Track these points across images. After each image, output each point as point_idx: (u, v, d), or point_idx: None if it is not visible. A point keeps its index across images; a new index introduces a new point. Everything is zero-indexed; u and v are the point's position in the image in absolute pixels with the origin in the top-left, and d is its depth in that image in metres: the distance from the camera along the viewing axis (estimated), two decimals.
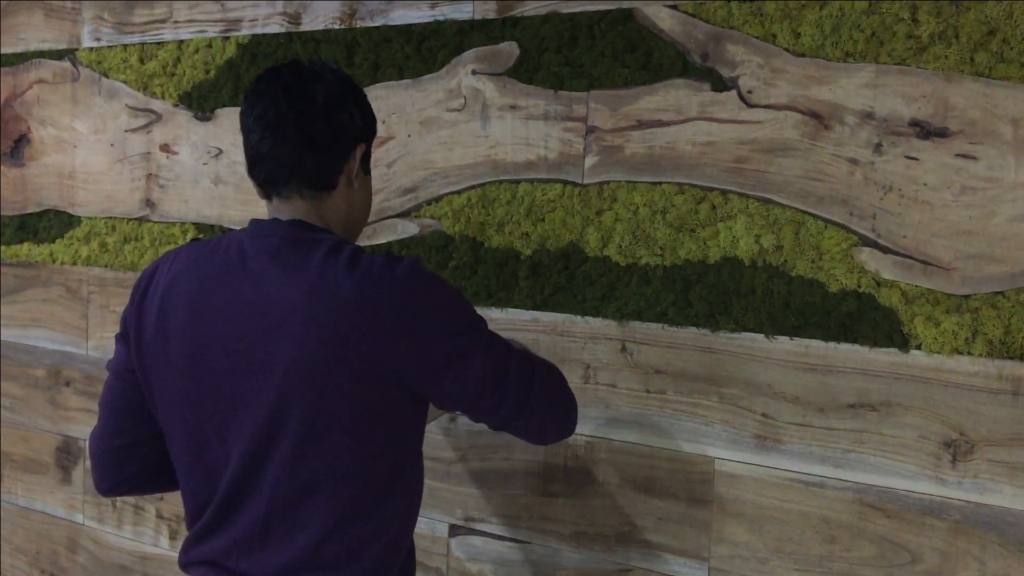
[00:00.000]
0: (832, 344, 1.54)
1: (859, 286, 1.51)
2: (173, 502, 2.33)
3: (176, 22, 2.27)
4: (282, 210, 1.34)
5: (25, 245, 2.57)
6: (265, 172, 1.33)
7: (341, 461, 1.25)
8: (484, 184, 1.85)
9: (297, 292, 1.22)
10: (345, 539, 1.27)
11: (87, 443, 1.42)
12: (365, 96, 1.39)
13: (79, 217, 2.46)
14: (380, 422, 1.26)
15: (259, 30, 2.13)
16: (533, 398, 1.33)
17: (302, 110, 1.30)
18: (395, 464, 1.30)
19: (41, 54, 2.53)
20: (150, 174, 2.33)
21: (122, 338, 1.39)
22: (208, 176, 2.22)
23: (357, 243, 1.47)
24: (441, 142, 1.89)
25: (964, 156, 1.43)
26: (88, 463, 2.48)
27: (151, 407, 1.37)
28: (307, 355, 1.21)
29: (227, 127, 2.17)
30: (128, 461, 1.41)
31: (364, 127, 1.37)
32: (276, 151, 1.30)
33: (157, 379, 1.33)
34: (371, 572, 1.29)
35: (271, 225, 1.32)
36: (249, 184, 2.13)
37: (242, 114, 1.34)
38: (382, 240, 1.97)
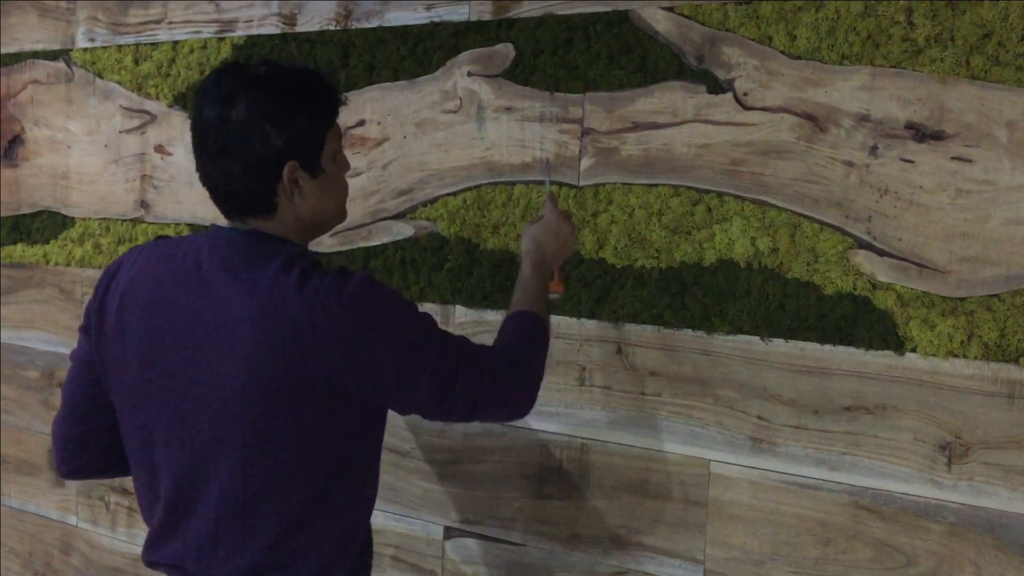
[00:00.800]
0: (828, 347, 1.54)
1: (855, 289, 1.51)
2: None
3: (171, 23, 2.26)
4: (242, 222, 1.35)
5: (19, 246, 2.57)
6: (211, 197, 1.36)
7: (289, 470, 1.28)
8: (480, 186, 1.85)
9: (247, 307, 1.24)
10: (297, 541, 1.30)
11: (51, 427, 1.46)
12: (297, 103, 1.31)
13: (73, 218, 2.46)
14: (328, 432, 1.29)
15: (254, 31, 2.12)
16: (481, 405, 1.36)
17: (219, 141, 1.28)
18: (345, 468, 1.33)
19: (35, 54, 2.52)
20: (144, 175, 2.32)
21: (84, 330, 1.42)
22: None
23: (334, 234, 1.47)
24: (437, 144, 1.89)
25: (960, 159, 1.43)
26: None
27: (110, 399, 1.40)
28: (255, 370, 1.23)
29: None
30: (87, 447, 1.44)
31: (288, 145, 1.29)
32: (212, 180, 1.33)
33: (114, 376, 1.37)
34: (325, 568, 1.33)
35: (229, 234, 1.33)
36: None
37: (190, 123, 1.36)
38: (377, 242, 1.97)
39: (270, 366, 1.23)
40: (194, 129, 1.32)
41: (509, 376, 1.40)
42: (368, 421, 1.36)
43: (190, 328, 1.28)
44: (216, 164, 1.30)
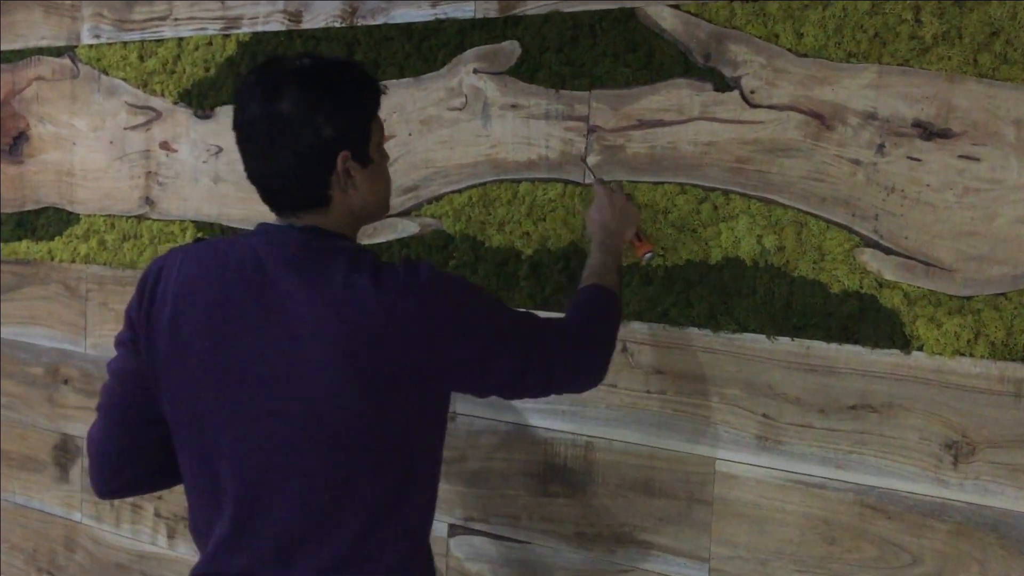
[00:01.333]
0: (834, 345, 1.54)
1: (861, 287, 1.51)
2: (171, 501, 2.33)
3: (176, 19, 2.26)
4: (295, 218, 1.33)
5: (24, 243, 2.57)
6: (261, 194, 1.34)
7: (370, 468, 1.27)
8: (485, 183, 1.84)
9: (322, 307, 1.23)
10: (375, 538, 1.29)
11: (85, 445, 1.39)
12: (344, 94, 1.30)
13: (78, 215, 2.46)
14: (407, 426, 1.29)
15: (260, 28, 2.12)
16: (556, 378, 1.38)
17: (270, 135, 1.27)
18: (420, 461, 1.33)
19: (40, 51, 2.52)
20: (149, 172, 2.32)
21: (128, 343, 1.36)
22: (208, 174, 2.21)
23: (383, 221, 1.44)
24: (442, 141, 1.89)
25: (967, 157, 1.43)
26: (86, 462, 2.48)
27: (161, 412, 1.35)
28: (336, 369, 1.22)
29: (227, 125, 2.16)
30: (129, 464, 1.39)
31: (340, 136, 1.28)
32: (262, 175, 1.31)
33: (169, 385, 1.32)
34: (402, 562, 1.33)
35: (286, 232, 1.31)
36: (249, 183, 2.13)
37: (232, 121, 1.33)
38: (382, 239, 1.97)
39: (351, 362, 1.22)
40: (240, 128, 1.30)
41: (579, 347, 1.41)
42: (441, 412, 1.36)
43: (260, 332, 1.25)
44: (267, 160, 1.29)
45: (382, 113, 1.86)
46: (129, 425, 1.37)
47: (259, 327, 1.26)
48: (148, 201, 2.32)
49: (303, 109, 1.25)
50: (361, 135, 1.32)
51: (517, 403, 1.82)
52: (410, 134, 1.92)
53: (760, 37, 1.57)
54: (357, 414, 1.24)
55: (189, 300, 1.30)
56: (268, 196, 1.33)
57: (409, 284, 1.25)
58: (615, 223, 1.60)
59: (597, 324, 1.46)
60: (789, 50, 1.55)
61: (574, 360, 1.41)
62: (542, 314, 1.77)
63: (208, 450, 1.31)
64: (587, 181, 1.72)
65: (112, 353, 1.41)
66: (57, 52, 2.48)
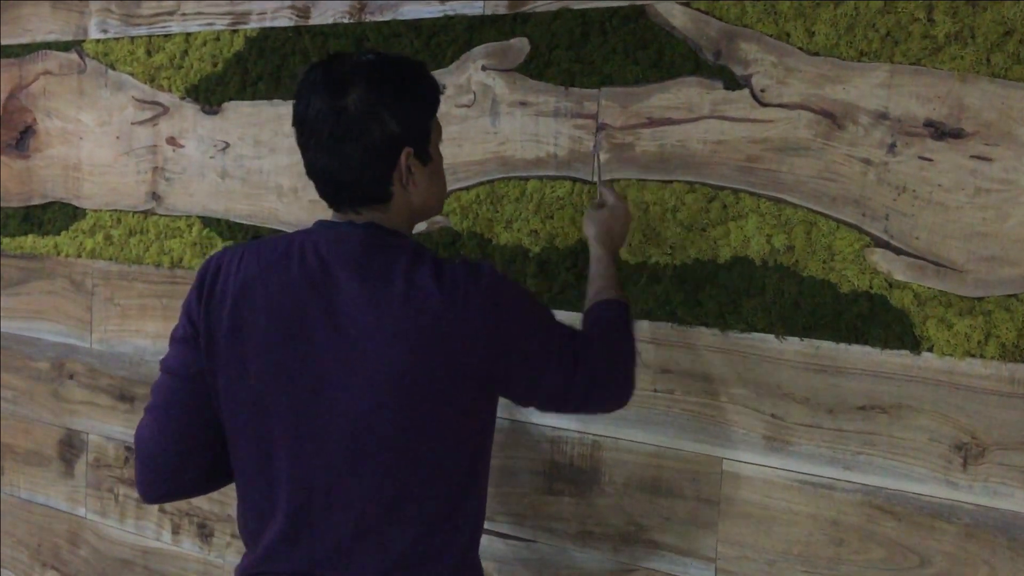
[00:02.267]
0: (843, 345, 1.53)
1: (871, 287, 1.50)
2: None
3: (184, 14, 2.26)
4: (351, 216, 1.33)
5: (30, 237, 2.57)
6: (321, 189, 1.34)
7: (430, 468, 1.28)
8: (493, 181, 1.84)
9: (386, 305, 1.23)
10: (434, 540, 1.30)
11: (136, 447, 1.36)
12: (408, 91, 1.30)
13: (84, 209, 2.45)
14: (464, 427, 1.31)
15: (267, 23, 2.12)
16: (594, 395, 1.38)
17: (335, 131, 1.26)
18: (477, 463, 1.35)
19: (47, 45, 2.52)
20: (156, 167, 2.32)
21: (188, 340, 1.34)
22: (215, 170, 2.21)
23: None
24: (450, 138, 1.88)
25: (979, 158, 1.42)
26: (91, 457, 2.48)
27: (217, 411, 1.34)
28: (398, 368, 1.23)
29: (234, 121, 2.16)
30: (184, 468, 1.37)
31: (404, 132, 1.28)
32: (326, 170, 1.31)
33: (227, 384, 1.31)
34: (457, 566, 1.33)
35: (346, 230, 1.31)
36: (256, 178, 2.13)
37: (293, 116, 1.33)
38: None
39: (414, 361, 1.23)
40: (302, 122, 1.30)
41: (616, 369, 1.42)
42: (493, 414, 1.38)
43: (323, 330, 1.26)
44: (332, 154, 1.28)
45: None
46: (186, 426, 1.35)
47: (323, 328, 1.26)
48: (155, 196, 2.32)
49: (370, 104, 1.26)
50: (423, 132, 1.33)
51: None
52: None
53: (771, 35, 1.56)
54: (418, 417, 1.25)
55: (250, 297, 1.29)
56: (330, 191, 1.33)
57: (473, 286, 1.25)
58: (621, 229, 1.60)
59: (628, 343, 1.46)
60: (800, 49, 1.54)
61: (612, 378, 1.41)
62: (554, 314, 1.78)
63: (266, 450, 1.30)
64: (594, 179, 1.71)
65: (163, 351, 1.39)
66: (64, 47, 2.48)
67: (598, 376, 1.37)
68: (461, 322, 1.24)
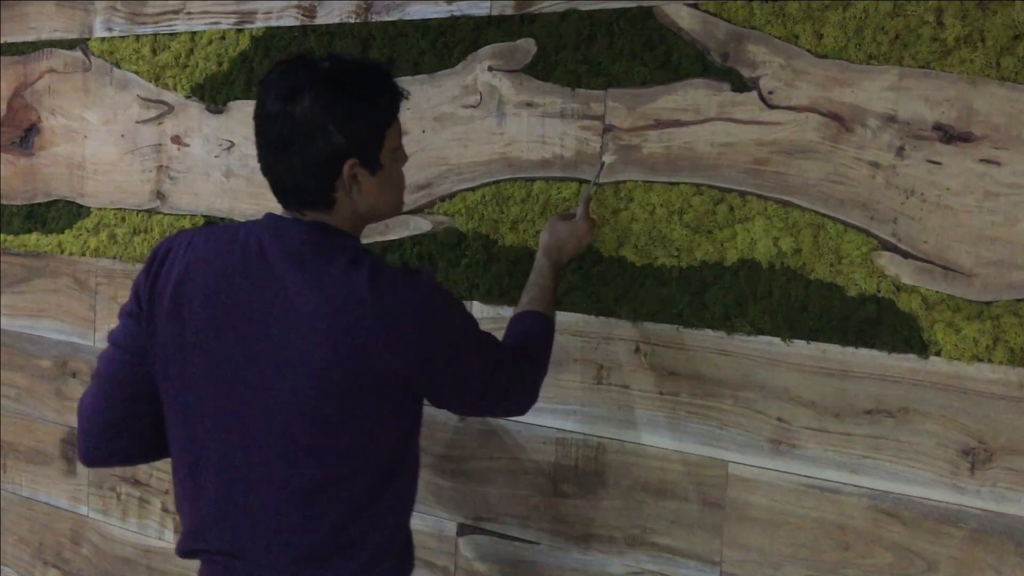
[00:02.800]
0: (850, 349, 1.53)
1: (879, 291, 1.50)
2: None
3: (189, 13, 2.25)
4: (300, 213, 1.36)
5: (33, 235, 2.56)
6: (272, 188, 1.37)
7: (351, 459, 1.32)
8: (499, 181, 1.83)
9: (319, 301, 1.26)
10: (353, 529, 1.34)
11: (77, 411, 1.43)
12: (360, 101, 1.31)
13: (88, 208, 2.45)
14: (388, 425, 1.34)
15: (273, 23, 2.11)
16: (503, 404, 1.47)
17: (283, 135, 1.29)
18: (397, 459, 1.38)
19: (52, 43, 2.51)
20: (161, 166, 2.31)
21: (133, 316, 1.39)
22: (219, 169, 2.20)
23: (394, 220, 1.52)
24: (456, 138, 1.88)
25: (988, 161, 1.41)
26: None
27: (156, 384, 1.39)
28: (325, 362, 1.26)
29: (239, 120, 2.16)
30: (121, 434, 1.42)
31: (349, 143, 1.29)
32: (273, 172, 1.34)
33: (164, 360, 1.36)
34: (376, 554, 1.37)
35: (291, 225, 1.34)
36: (260, 178, 2.11)
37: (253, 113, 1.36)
38: (394, 236, 1.96)
39: (341, 357, 1.26)
40: (257, 121, 1.33)
41: (527, 380, 1.49)
42: (418, 414, 1.42)
43: (255, 318, 1.29)
44: (277, 158, 1.32)
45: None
46: (125, 395, 1.40)
47: (255, 314, 1.29)
48: (159, 195, 2.32)
49: (316, 114, 1.27)
50: (372, 142, 1.33)
51: None
52: (424, 131, 1.91)
53: (779, 37, 1.56)
54: (337, 407, 1.28)
55: (191, 279, 1.33)
56: (277, 191, 1.36)
57: (406, 293, 1.28)
58: (572, 252, 1.64)
59: (543, 357, 1.53)
60: (809, 51, 1.54)
61: (523, 390, 1.48)
62: (559, 315, 1.77)
63: (195, 426, 1.35)
64: (592, 180, 1.71)
65: None
66: (69, 45, 2.48)
67: (511, 386, 1.44)
68: (390, 328, 1.26)
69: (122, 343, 1.40)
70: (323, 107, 1.28)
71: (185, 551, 1.40)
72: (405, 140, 1.92)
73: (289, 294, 1.27)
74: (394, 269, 1.31)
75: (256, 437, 1.31)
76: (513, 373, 1.44)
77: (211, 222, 2.21)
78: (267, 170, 1.34)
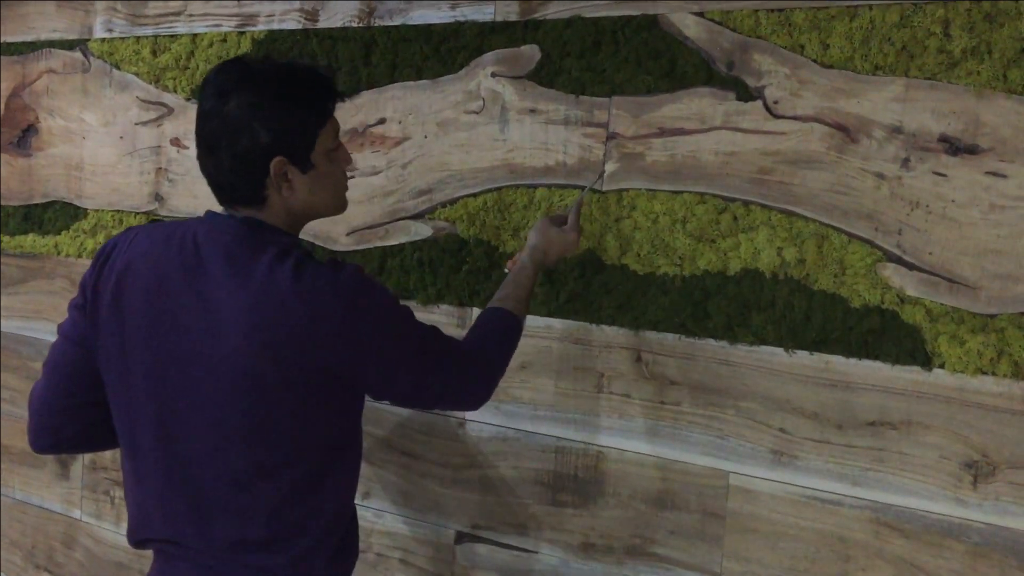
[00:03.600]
0: (853, 360, 1.52)
1: (882, 302, 1.49)
2: None
3: (191, 15, 2.24)
4: (235, 210, 1.40)
5: (30, 236, 2.55)
6: (209, 185, 1.40)
7: (284, 450, 1.34)
8: (501, 188, 1.83)
9: (244, 296, 1.29)
10: (291, 518, 1.36)
11: (28, 400, 1.48)
12: (289, 101, 1.34)
13: (86, 209, 2.44)
14: (320, 415, 1.36)
15: (275, 26, 2.10)
16: (446, 398, 1.46)
17: (215, 133, 1.33)
18: (335, 448, 1.40)
19: (51, 44, 2.50)
20: (160, 168, 2.30)
21: (80, 308, 1.43)
22: None
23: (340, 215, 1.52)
24: (458, 144, 1.87)
25: (994, 174, 1.41)
26: (87, 459, 2.46)
27: (98, 374, 1.43)
28: (252, 356, 1.29)
29: None
30: (69, 422, 1.46)
31: (276, 142, 1.32)
32: (206, 169, 1.38)
33: (106, 353, 1.40)
34: (316, 542, 1.39)
35: (225, 221, 1.37)
36: None
37: None
38: (394, 242, 1.95)
39: (267, 351, 1.28)
40: (196, 121, 1.37)
41: (476, 374, 1.48)
42: (355, 405, 1.43)
43: (188, 312, 1.32)
44: (208, 155, 1.36)
45: (397, 115, 1.86)
46: (72, 384, 1.44)
47: (191, 311, 1.32)
48: (157, 197, 2.31)
49: (244, 112, 1.31)
50: (302, 141, 1.36)
51: (528, 410, 1.80)
52: (426, 136, 1.91)
53: (785, 47, 1.55)
54: (267, 399, 1.31)
55: (131, 274, 1.38)
56: (212, 188, 1.40)
57: (329, 284, 1.30)
58: (556, 256, 1.65)
59: (499, 354, 1.52)
60: (814, 61, 1.53)
61: (469, 384, 1.47)
62: (556, 323, 1.77)
63: (135, 417, 1.38)
64: (593, 186, 1.70)
65: None
66: (69, 45, 2.46)
67: (454, 381, 1.43)
68: (313, 320, 1.28)
69: (70, 335, 1.45)
70: (250, 105, 1.31)
71: (135, 541, 1.44)
72: (407, 145, 1.92)
73: (219, 290, 1.31)
74: (319, 263, 1.33)
75: (192, 429, 1.34)
76: (458, 367, 1.43)
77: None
78: (202, 167, 1.38)
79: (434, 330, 1.44)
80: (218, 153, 1.34)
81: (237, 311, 1.29)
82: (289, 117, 1.34)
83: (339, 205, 1.47)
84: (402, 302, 1.43)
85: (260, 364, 1.29)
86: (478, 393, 1.50)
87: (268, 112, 1.32)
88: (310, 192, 1.39)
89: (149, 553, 2.30)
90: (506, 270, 1.70)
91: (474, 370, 1.47)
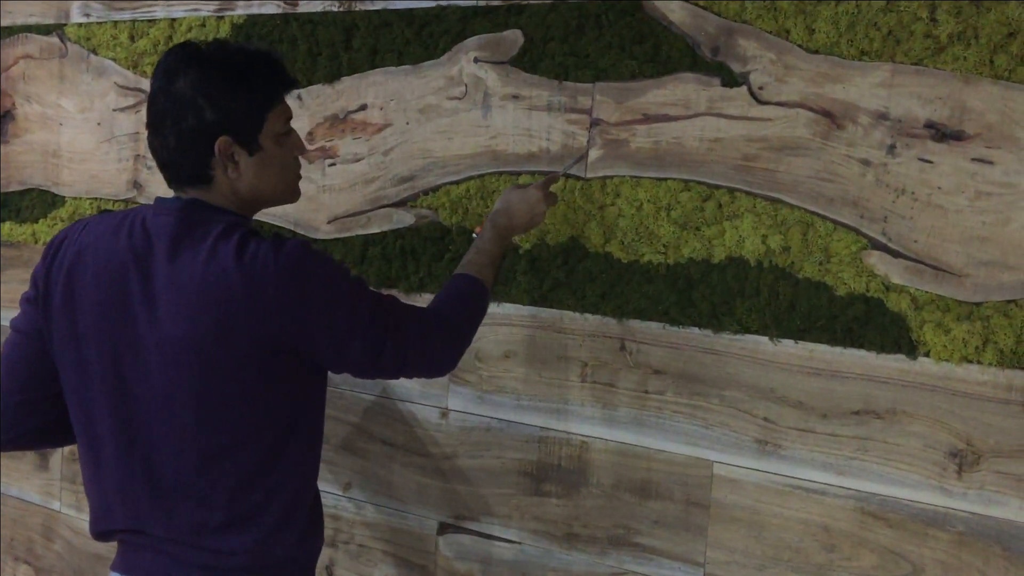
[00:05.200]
0: (838, 349, 1.51)
1: (867, 290, 1.48)
2: None
3: (169, 0, 2.21)
4: (182, 192, 1.40)
5: (7, 224, 2.51)
6: (157, 165, 1.40)
7: (240, 430, 1.34)
8: (483, 175, 1.80)
9: (188, 275, 1.30)
10: (251, 497, 1.36)
11: None
12: (236, 80, 1.34)
13: (63, 197, 2.40)
14: (274, 391, 1.35)
15: (255, 10, 2.07)
16: (408, 364, 1.43)
17: (162, 111, 1.34)
18: (293, 425, 1.39)
19: (28, 28, 2.46)
20: (138, 155, 2.26)
21: (33, 302, 1.43)
22: None
23: (291, 203, 1.53)
24: (440, 131, 1.85)
25: (980, 160, 1.40)
26: (66, 450, 2.43)
27: (54, 368, 1.42)
28: (199, 336, 1.29)
29: None
30: (28, 416, 1.45)
31: (221, 120, 1.33)
32: (154, 148, 1.38)
33: (60, 345, 1.39)
34: (278, 523, 1.38)
35: (171, 204, 1.37)
36: None
37: None
38: (376, 229, 1.92)
39: (214, 329, 1.28)
40: (148, 102, 1.38)
41: (437, 339, 1.46)
42: (313, 381, 1.42)
43: (138, 298, 1.32)
44: (156, 133, 1.36)
45: (378, 100, 1.83)
46: (28, 379, 1.43)
47: (139, 295, 1.33)
48: (136, 185, 2.27)
49: (190, 91, 1.32)
50: (249, 122, 1.37)
51: (511, 400, 1.79)
52: (408, 123, 1.88)
53: (770, 32, 1.54)
54: (219, 379, 1.31)
55: (82, 264, 1.37)
56: (160, 168, 1.40)
57: (270, 258, 1.30)
58: (522, 221, 1.62)
59: (461, 317, 1.51)
60: (800, 46, 1.51)
61: (431, 349, 1.45)
62: (540, 312, 1.75)
63: (91, 408, 1.38)
64: (568, 170, 1.68)
65: None
66: (46, 30, 2.42)
67: (414, 347, 1.41)
68: (255, 295, 1.28)
69: (23, 328, 1.44)
70: (196, 83, 1.32)
71: (97, 533, 1.43)
72: (389, 132, 1.89)
73: (165, 273, 1.31)
74: (262, 238, 1.33)
75: (148, 415, 1.34)
76: (418, 331, 1.42)
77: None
78: (150, 147, 1.38)
79: (390, 298, 1.43)
80: (164, 131, 1.34)
81: (183, 293, 1.29)
82: (235, 96, 1.34)
83: (289, 192, 1.47)
84: (385, 291, 1.41)
85: (209, 345, 1.29)
86: (442, 358, 1.48)
87: (214, 90, 1.33)
88: (256, 175, 1.39)
89: None
90: (474, 235, 1.68)
91: (435, 334, 1.45)
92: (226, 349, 1.29)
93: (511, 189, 1.65)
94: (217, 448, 1.34)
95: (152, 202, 1.41)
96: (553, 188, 1.72)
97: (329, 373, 1.47)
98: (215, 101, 1.33)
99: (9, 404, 1.44)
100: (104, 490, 1.40)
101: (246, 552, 1.36)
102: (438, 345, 1.46)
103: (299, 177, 1.48)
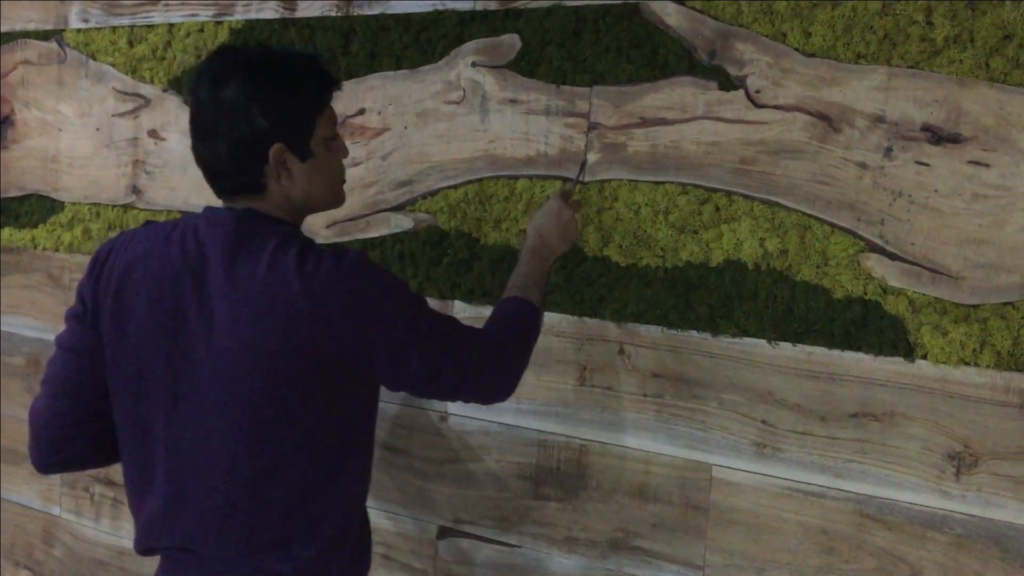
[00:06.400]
0: (836, 352, 1.51)
1: (865, 293, 1.48)
2: None
3: (167, 4, 2.21)
4: (233, 201, 1.37)
5: (6, 230, 2.51)
6: (205, 177, 1.37)
7: (295, 447, 1.31)
8: (482, 179, 1.81)
9: (246, 288, 1.27)
10: (304, 515, 1.33)
11: (29, 419, 1.42)
12: (286, 86, 1.32)
13: (62, 202, 2.40)
14: (331, 407, 1.33)
15: (253, 15, 2.07)
16: (466, 387, 1.41)
17: (211, 120, 1.31)
18: (347, 443, 1.37)
19: (27, 34, 2.46)
20: (137, 160, 2.27)
21: (79, 318, 1.39)
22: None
23: (339, 208, 1.50)
24: (438, 135, 1.85)
25: (976, 163, 1.40)
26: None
27: (106, 387, 1.38)
28: (259, 349, 1.27)
29: None
30: (74, 439, 1.41)
31: (274, 128, 1.31)
32: (202, 159, 1.35)
33: (112, 360, 1.36)
34: (330, 543, 1.36)
35: (224, 215, 1.35)
36: None
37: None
38: (375, 234, 1.92)
39: (273, 343, 1.26)
40: (190, 110, 1.34)
41: (496, 362, 1.43)
42: (368, 397, 1.40)
43: (196, 311, 1.30)
44: (205, 144, 1.33)
45: (376, 105, 1.84)
46: (76, 399, 1.39)
47: (195, 308, 1.30)
48: (135, 190, 2.28)
49: (241, 98, 1.29)
50: (301, 128, 1.34)
51: (511, 404, 1.79)
52: (406, 127, 1.88)
53: (767, 36, 1.54)
54: (276, 392, 1.28)
55: (133, 278, 1.34)
56: (208, 179, 1.37)
57: (332, 271, 1.28)
58: (556, 237, 1.59)
59: (516, 341, 1.47)
60: (796, 50, 1.52)
61: (488, 373, 1.42)
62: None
63: (143, 424, 1.35)
64: (580, 178, 1.69)
65: None
66: (44, 36, 2.43)
67: (471, 368, 1.39)
68: (317, 308, 1.26)
69: (70, 346, 1.40)
70: (247, 91, 1.29)
71: (143, 549, 1.40)
72: (387, 136, 1.90)
73: (222, 285, 1.28)
74: (321, 250, 1.31)
75: (200, 429, 1.31)
76: (476, 355, 1.39)
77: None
78: (197, 157, 1.35)
79: (449, 318, 1.41)
80: (215, 140, 1.31)
81: (241, 305, 1.26)
82: (288, 103, 1.32)
83: (337, 197, 1.45)
84: None
85: (267, 358, 1.26)
86: (500, 382, 1.45)
87: (266, 97, 1.30)
88: (308, 182, 1.36)
89: (129, 551, 2.29)
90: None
91: (492, 358, 1.42)
92: (285, 362, 1.27)
93: (533, 215, 1.61)
94: (271, 465, 1.31)
95: (199, 211, 1.38)
96: (551, 193, 1.72)
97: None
98: (267, 108, 1.30)
99: (55, 425, 1.39)
100: (152, 508, 1.36)
101: (296, 572, 1.34)
102: (495, 367, 1.43)
103: (344, 181, 1.46)
